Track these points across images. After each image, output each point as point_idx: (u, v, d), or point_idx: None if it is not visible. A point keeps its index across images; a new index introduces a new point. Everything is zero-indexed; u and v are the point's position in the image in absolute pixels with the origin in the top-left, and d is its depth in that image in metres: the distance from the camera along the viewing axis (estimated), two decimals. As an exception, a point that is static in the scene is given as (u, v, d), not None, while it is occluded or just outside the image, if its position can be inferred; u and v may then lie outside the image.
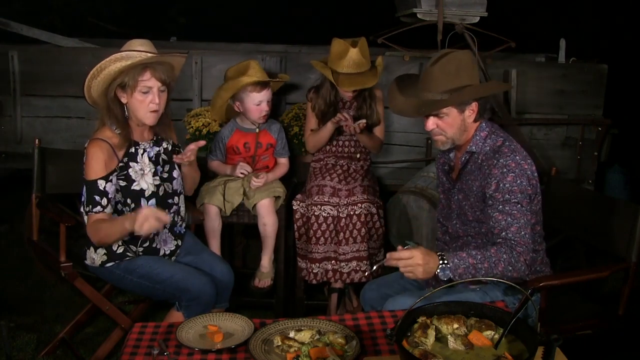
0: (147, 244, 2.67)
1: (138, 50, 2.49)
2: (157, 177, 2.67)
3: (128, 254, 2.63)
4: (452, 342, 1.67)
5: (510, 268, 2.10)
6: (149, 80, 2.51)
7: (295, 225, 3.34)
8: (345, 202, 3.28)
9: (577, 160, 4.04)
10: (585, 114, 4.01)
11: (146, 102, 2.53)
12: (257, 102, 3.28)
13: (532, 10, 7.44)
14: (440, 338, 1.70)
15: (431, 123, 2.29)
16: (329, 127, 3.37)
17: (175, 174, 2.75)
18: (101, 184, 2.50)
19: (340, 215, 3.27)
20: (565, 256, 3.67)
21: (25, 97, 4.04)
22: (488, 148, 2.28)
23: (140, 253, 2.66)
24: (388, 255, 2.05)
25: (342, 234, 3.27)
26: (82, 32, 5.67)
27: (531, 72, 4.00)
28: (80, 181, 2.57)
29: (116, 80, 2.49)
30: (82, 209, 2.58)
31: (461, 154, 2.38)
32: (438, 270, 2.04)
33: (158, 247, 2.71)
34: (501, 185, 2.18)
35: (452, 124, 2.28)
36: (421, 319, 1.74)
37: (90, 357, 3.01)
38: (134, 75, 2.48)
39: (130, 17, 7.11)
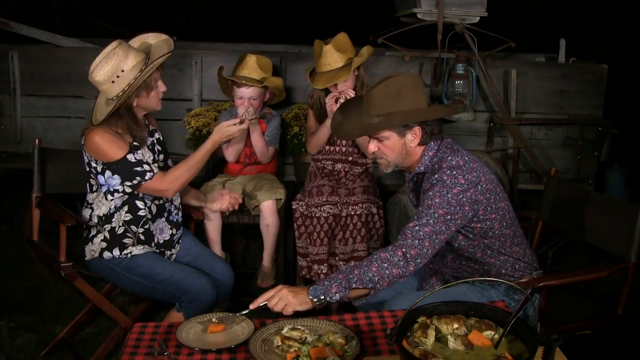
0: (147, 226, 2.67)
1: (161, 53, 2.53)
2: (156, 165, 2.70)
3: (128, 234, 2.64)
4: (452, 342, 1.67)
5: (386, 265, 2.04)
6: (158, 72, 2.58)
7: (295, 224, 3.34)
8: (345, 202, 3.28)
9: (577, 160, 4.03)
10: (585, 114, 4.01)
11: (160, 92, 2.60)
12: (239, 96, 3.36)
13: (532, 10, 7.44)
14: (440, 338, 1.70)
15: (372, 146, 2.28)
16: (326, 123, 3.38)
17: (169, 162, 2.77)
18: (131, 157, 2.53)
19: (341, 214, 3.27)
20: (555, 255, 3.66)
21: (25, 97, 4.04)
22: (437, 166, 2.24)
23: (140, 235, 2.66)
24: (251, 306, 2.01)
25: (341, 233, 3.27)
26: (82, 32, 5.67)
27: (531, 72, 4.00)
28: (91, 172, 2.58)
29: (144, 82, 2.49)
30: (104, 197, 2.59)
31: (411, 175, 2.39)
32: (310, 295, 2.00)
33: (154, 233, 2.71)
34: (425, 194, 2.18)
35: (392, 148, 2.25)
36: (421, 319, 1.74)
37: (90, 357, 3.01)
38: (152, 73, 2.51)
39: (130, 17, 7.11)
